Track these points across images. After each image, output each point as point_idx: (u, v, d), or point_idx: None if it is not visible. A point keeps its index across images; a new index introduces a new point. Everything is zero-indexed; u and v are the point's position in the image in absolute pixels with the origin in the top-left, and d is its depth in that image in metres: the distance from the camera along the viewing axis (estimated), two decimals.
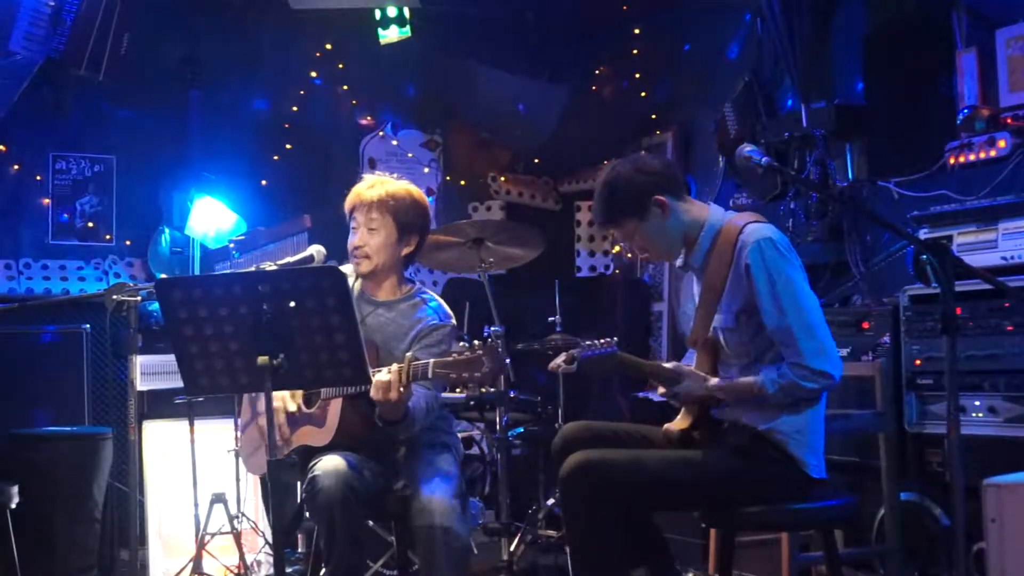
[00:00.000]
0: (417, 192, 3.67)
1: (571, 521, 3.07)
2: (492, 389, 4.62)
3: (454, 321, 3.65)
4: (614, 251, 6.67)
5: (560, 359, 3.13)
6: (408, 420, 3.34)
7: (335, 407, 3.41)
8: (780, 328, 2.99)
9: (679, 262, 3.28)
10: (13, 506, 4.35)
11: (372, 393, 3.19)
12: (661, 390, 3.18)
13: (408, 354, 3.23)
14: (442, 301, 3.69)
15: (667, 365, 3.17)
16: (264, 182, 6.20)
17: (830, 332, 3.05)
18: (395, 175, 3.75)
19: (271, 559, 4.67)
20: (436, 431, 3.60)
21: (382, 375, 3.18)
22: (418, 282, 3.76)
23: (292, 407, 3.54)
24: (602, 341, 3.08)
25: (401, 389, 3.17)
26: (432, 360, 3.16)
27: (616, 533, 2.98)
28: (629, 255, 6.52)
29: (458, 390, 3.19)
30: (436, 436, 3.60)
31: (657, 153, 6.06)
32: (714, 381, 3.12)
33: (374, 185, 3.62)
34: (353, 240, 3.60)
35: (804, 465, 3.04)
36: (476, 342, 3.12)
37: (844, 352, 4.20)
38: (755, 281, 3.01)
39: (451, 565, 3.22)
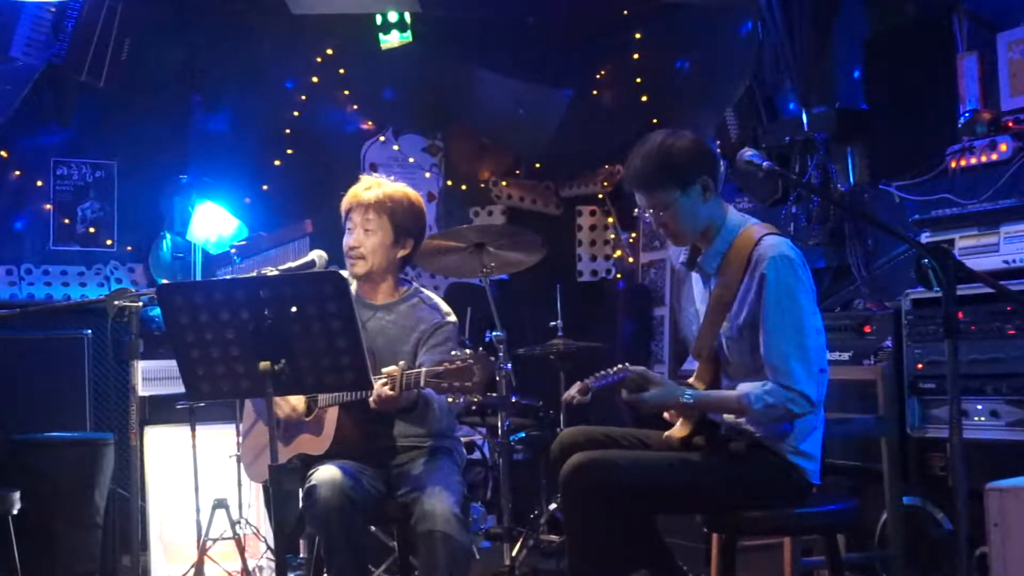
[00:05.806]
0: (414, 195, 3.66)
1: (571, 521, 3.05)
2: (494, 394, 4.62)
3: (454, 317, 3.65)
4: (615, 255, 6.67)
5: (574, 390, 3.06)
6: (422, 404, 3.34)
7: (332, 415, 3.41)
8: (776, 347, 2.95)
9: (683, 258, 3.24)
10: (15, 512, 4.35)
11: (372, 402, 3.22)
12: (625, 394, 3.07)
13: (401, 363, 3.23)
14: (440, 299, 3.70)
15: (635, 368, 3.08)
16: (265, 187, 6.20)
17: (824, 358, 3.03)
18: (392, 177, 3.74)
19: (273, 564, 4.67)
20: (438, 436, 3.60)
21: (378, 387, 3.19)
22: (414, 282, 3.75)
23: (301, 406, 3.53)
24: (613, 369, 3.04)
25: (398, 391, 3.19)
26: (424, 369, 3.15)
27: (615, 534, 2.95)
28: (632, 240, 6.51)
29: (451, 399, 3.17)
30: (438, 441, 3.59)
31: None
32: (689, 392, 3.05)
33: (371, 186, 3.61)
34: (348, 241, 3.59)
35: (802, 472, 3.03)
36: (468, 351, 3.12)
37: (846, 356, 4.20)
38: (765, 295, 2.97)
39: (452, 571, 3.21)
